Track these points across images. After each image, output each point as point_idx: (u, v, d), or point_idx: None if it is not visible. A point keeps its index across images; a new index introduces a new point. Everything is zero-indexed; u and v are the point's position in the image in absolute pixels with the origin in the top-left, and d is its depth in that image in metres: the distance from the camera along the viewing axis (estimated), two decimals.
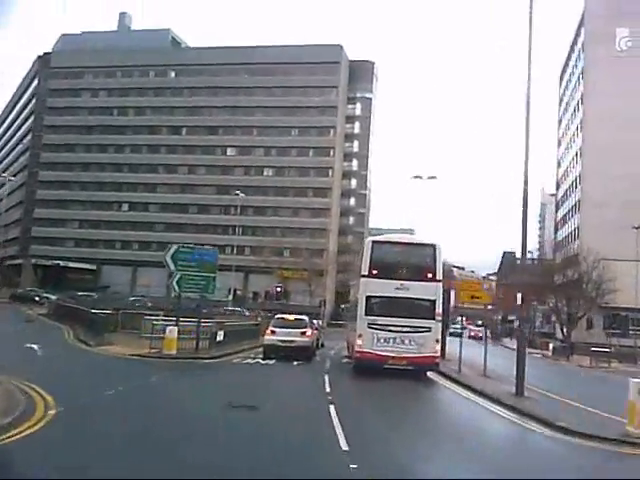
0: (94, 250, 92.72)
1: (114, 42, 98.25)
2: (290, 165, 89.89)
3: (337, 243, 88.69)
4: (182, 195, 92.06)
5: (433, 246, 22.52)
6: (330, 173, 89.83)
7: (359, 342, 21.74)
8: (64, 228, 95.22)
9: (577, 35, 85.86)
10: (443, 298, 22.44)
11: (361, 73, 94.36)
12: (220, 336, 26.43)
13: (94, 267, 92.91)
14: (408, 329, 21.51)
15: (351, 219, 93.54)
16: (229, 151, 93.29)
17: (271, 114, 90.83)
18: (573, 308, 59.33)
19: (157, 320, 26.78)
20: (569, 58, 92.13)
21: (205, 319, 27.40)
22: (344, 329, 40.89)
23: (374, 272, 22.02)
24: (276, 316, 27.79)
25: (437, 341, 21.87)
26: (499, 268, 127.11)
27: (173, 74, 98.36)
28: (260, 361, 23.96)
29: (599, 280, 57.22)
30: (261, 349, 26.18)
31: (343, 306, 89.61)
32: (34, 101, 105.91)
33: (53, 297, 54.23)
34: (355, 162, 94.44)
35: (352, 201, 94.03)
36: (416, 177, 37.60)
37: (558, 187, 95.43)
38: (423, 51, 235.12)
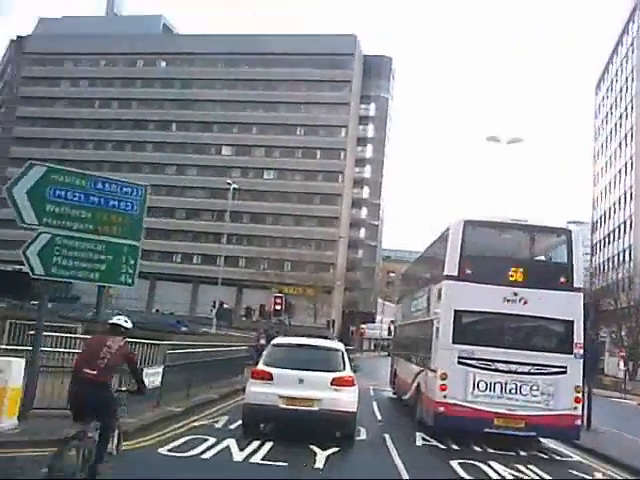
0: None
1: (99, 28, 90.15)
2: (294, 167, 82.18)
3: (346, 257, 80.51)
4: (169, 198, 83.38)
5: (567, 232, 14.16)
6: (340, 178, 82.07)
7: (441, 388, 13.27)
8: (31, 231, 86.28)
9: (623, 34, 79.08)
10: (585, 318, 13.99)
11: (377, 69, 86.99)
12: (154, 379, 13.25)
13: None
14: (528, 368, 13.23)
15: (362, 231, 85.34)
16: (224, 150, 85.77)
17: (274, 110, 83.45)
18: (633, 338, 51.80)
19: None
20: (610, 62, 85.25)
21: (140, 339, 15.40)
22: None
23: (468, 272, 13.63)
24: (273, 341, 13.91)
25: (577, 390, 13.42)
26: None
27: (164, 64, 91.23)
28: (234, 447, 10.44)
29: None
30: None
31: (366, 325, 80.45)
32: (5, 89, 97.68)
33: None
34: (368, 168, 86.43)
35: (364, 212, 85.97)
36: (490, 139, 28.96)
37: (594, 207, 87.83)
38: (445, 49, 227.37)
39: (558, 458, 12.73)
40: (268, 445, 10.70)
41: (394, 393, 22.66)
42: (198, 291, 79.61)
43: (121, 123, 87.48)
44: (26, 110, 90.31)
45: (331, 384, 11.61)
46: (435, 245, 16.23)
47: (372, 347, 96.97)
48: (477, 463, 10.92)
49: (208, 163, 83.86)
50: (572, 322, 13.43)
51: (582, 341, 13.47)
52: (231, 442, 10.76)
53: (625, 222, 71.03)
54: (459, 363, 13.25)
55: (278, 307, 41.89)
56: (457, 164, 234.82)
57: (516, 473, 10.41)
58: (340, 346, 13.21)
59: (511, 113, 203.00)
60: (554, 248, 14.74)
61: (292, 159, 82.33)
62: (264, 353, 12.77)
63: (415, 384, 16.43)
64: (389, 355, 48.36)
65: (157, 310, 78.67)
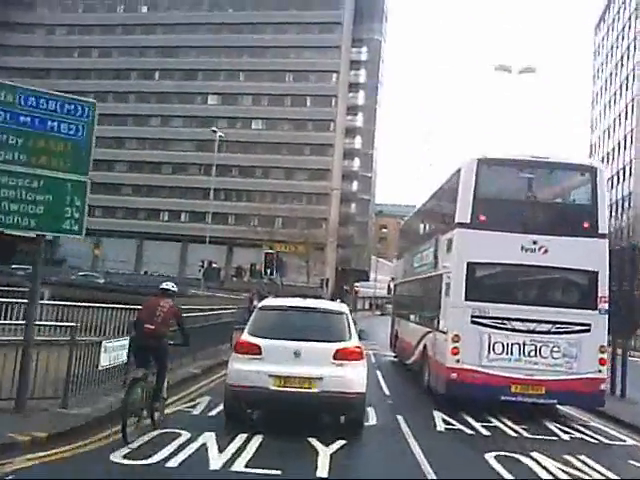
0: None
1: None
2: (283, 116, 79.54)
3: (339, 212, 78.68)
4: (154, 152, 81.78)
5: (592, 170, 12.69)
6: (331, 127, 79.48)
7: (452, 351, 11.96)
8: None
9: None
10: (620, 267, 12.62)
11: (369, 11, 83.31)
12: (117, 353, 10.63)
13: (50, 237, 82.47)
14: (549, 327, 11.93)
15: (355, 184, 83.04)
16: (210, 99, 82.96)
17: (261, 56, 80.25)
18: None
19: None
20: (611, 1, 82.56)
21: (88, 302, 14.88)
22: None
23: (482, 218, 12.17)
24: (261, 303, 11.28)
25: (602, 350, 12.11)
26: None
27: (145, 9, 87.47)
28: (212, 446, 8.30)
29: None
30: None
31: (360, 283, 78.50)
32: None
33: None
34: (360, 116, 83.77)
35: (356, 163, 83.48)
36: (500, 69, 26.84)
37: (592, 154, 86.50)
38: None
39: (608, 442, 10.65)
40: (256, 441, 8.58)
41: (395, 356, 21.52)
42: (187, 250, 78.06)
43: (101, 73, 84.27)
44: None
45: (334, 358, 9.30)
46: (443, 189, 14.68)
47: (366, 306, 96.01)
48: (517, 456, 8.86)
49: (194, 113, 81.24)
50: (596, 273, 12.13)
51: (607, 294, 12.15)
52: (209, 438, 8.61)
53: (624, 168, 69.67)
54: (472, 323, 11.93)
55: (269, 264, 38.71)
56: (452, 112, 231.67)
57: (568, 469, 8.36)
58: (343, 308, 10.70)
59: (510, 57, 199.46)
60: (577, 188, 13.25)
61: (281, 107, 79.75)
62: (249, 320, 10.33)
63: (421, 347, 15.14)
64: (383, 314, 46.70)
65: (145, 272, 77.58)
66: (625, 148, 70.52)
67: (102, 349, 10.06)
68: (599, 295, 12.08)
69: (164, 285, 9.55)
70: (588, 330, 11.94)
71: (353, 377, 9.34)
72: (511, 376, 11.71)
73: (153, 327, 8.92)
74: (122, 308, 13.98)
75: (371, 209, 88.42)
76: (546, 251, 12.00)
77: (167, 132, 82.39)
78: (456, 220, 12.42)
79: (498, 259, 12.17)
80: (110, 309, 14.26)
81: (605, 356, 12.23)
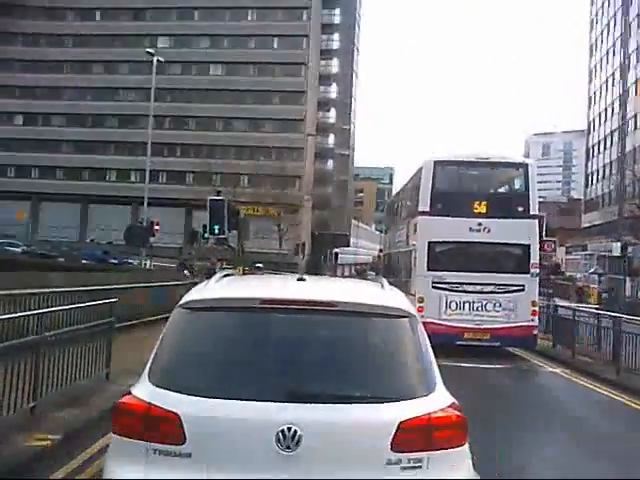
0: None
1: None
2: (247, 60, 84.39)
3: (314, 168, 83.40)
4: (98, 103, 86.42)
5: (524, 166, 20.48)
6: (302, 71, 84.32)
7: (418, 309, 19.38)
8: None
9: None
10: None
11: None
12: None
13: None
14: (491, 288, 19.48)
15: (331, 138, 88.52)
16: (161, 41, 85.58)
17: None
18: None
19: None
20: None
21: None
22: None
23: (439, 207, 19.75)
24: (194, 292, 4.95)
25: (534, 304, 19.74)
26: None
27: None
28: None
29: None
30: None
31: (341, 249, 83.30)
32: None
33: None
34: (336, 61, 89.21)
35: (332, 113, 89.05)
36: None
37: (590, 106, 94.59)
38: None
39: None
40: None
41: None
42: (139, 214, 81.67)
43: (35, 12, 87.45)
44: None
45: (395, 448, 4.00)
46: (411, 182, 22.44)
47: (346, 273, 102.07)
48: None
49: (142, 58, 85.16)
50: (529, 245, 19.63)
51: (538, 261, 19.70)
52: None
53: (621, 126, 77.69)
54: (433, 287, 19.36)
55: (217, 218, 29.06)
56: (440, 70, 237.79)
57: None
58: (401, 301, 4.95)
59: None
60: (513, 180, 20.92)
61: (244, 50, 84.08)
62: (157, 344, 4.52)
63: None
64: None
65: (92, 240, 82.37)
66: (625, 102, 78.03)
67: None
68: (531, 262, 19.65)
69: (257, 265, 13.24)
70: (523, 289, 19.44)
71: None
72: (464, 326, 19.15)
73: None
74: None
75: (350, 165, 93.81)
76: (489, 230, 19.48)
77: (111, 80, 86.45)
78: (419, 209, 19.97)
79: (452, 238, 19.72)
80: None
81: (536, 309, 19.88)
